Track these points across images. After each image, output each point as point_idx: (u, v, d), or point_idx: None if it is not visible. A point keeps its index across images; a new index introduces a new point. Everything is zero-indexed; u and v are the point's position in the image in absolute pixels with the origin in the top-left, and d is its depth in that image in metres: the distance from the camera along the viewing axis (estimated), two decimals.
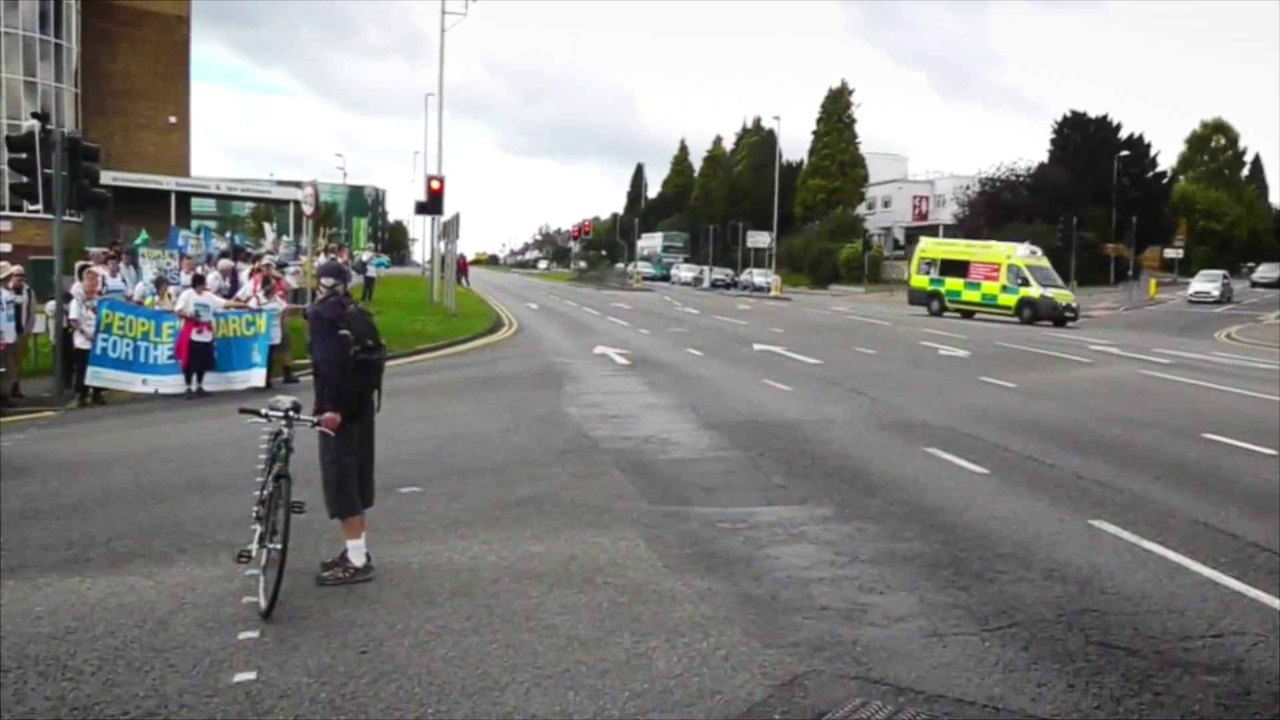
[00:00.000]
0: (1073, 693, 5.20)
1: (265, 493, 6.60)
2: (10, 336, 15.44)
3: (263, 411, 6.75)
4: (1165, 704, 5.10)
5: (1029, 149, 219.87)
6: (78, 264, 17.60)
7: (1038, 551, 7.68)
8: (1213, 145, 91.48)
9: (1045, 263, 42.32)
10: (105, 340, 15.46)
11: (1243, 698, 5.21)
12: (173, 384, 16.13)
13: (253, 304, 17.55)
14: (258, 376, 16.59)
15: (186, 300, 16.39)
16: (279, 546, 6.30)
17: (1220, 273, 58.88)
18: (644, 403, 15.26)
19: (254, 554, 6.34)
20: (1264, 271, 68.02)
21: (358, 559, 6.81)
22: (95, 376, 15.55)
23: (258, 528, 6.48)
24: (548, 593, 6.58)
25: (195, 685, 5.14)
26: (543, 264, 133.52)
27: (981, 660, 5.58)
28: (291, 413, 6.69)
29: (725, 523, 8.40)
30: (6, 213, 45.94)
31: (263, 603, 6.13)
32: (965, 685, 5.25)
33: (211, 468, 10.54)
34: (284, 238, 46.50)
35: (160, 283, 17.87)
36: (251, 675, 5.25)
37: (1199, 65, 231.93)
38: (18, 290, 15.93)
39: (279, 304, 17.96)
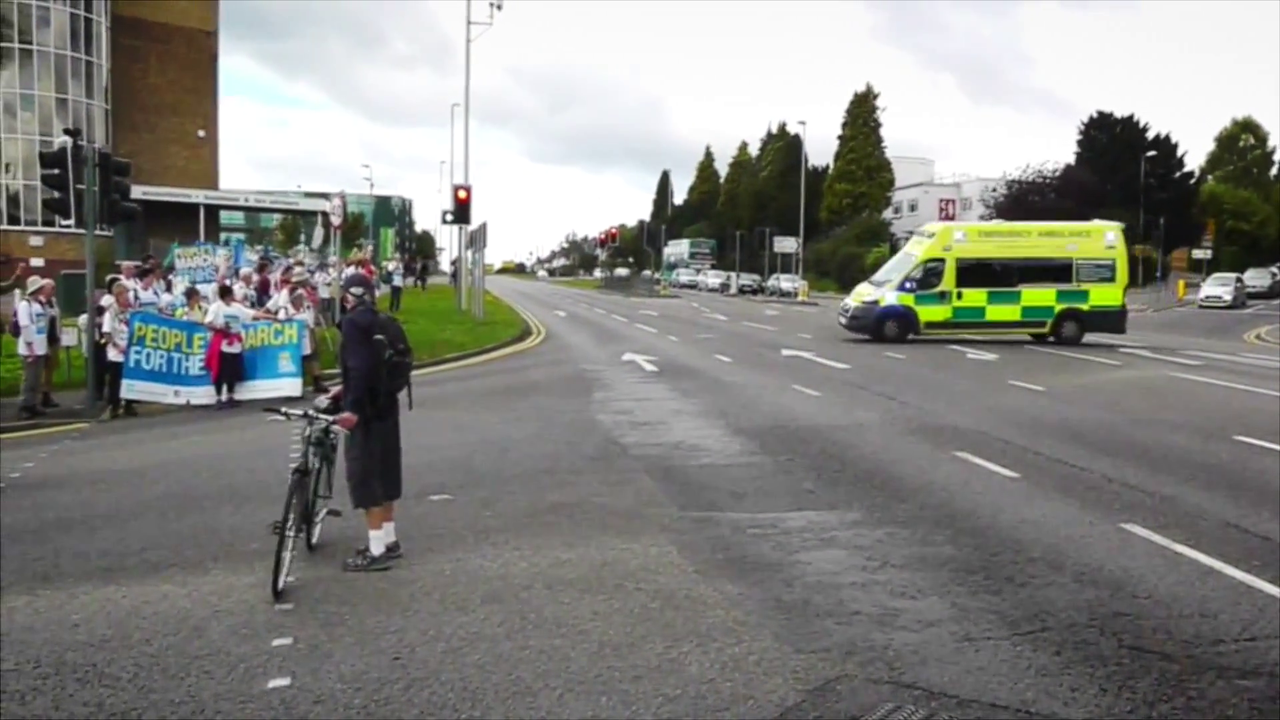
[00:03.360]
0: (1105, 697, 5.17)
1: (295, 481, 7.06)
2: (43, 348, 15.64)
3: (283, 410, 7.47)
4: (1199, 708, 5.06)
5: (1057, 150, 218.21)
6: (108, 277, 17.78)
7: (1069, 555, 7.63)
8: (1241, 144, 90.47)
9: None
10: (139, 353, 15.62)
11: (1277, 701, 5.16)
12: (203, 395, 16.31)
13: (281, 315, 17.69)
14: (290, 385, 16.60)
15: (215, 312, 16.55)
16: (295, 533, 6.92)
17: (1233, 276, 56.84)
18: (673, 409, 15.27)
19: (285, 529, 6.79)
20: (1251, 278, 60.96)
21: (376, 549, 7.26)
22: (129, 389, 15.70)
23: (291, 514, 6.90)
24: (579, 599, 6.61)
25: (230, 691, 5.20)
26: (597, 272, 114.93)
27: (1014, 665, 5.56)
28: (311, 412, 7.22)
29: (755, 528, 8.40)
30: (39, 228, 46.66)
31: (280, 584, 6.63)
32: (998, 690, 5.23)
33: (243, 477, 10.65)
34: (317, 246, 46.84)
35: (191, 293, 18.03)
36: (285, 681, 5.31)
37: (1227, 64, 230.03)
38: (48, 303, 16.11)
39: (308, 315, 18.08)
